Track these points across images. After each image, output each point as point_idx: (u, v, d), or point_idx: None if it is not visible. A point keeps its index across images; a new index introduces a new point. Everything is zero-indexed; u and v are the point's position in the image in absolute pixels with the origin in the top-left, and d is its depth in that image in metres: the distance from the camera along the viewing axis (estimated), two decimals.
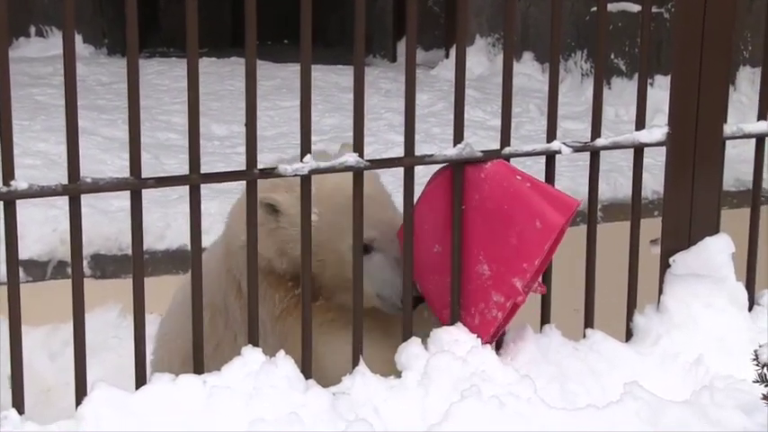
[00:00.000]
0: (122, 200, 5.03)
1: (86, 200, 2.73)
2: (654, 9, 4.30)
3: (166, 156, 6.72)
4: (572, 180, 6.02)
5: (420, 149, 3.00)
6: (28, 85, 8.69)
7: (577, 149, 3.14)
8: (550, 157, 3.11)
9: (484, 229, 2.93)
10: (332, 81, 9.23)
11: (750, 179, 3.48)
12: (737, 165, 5.90)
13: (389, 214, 3.07)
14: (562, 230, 2.87)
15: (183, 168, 2.86)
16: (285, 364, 2.75)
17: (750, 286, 3.33)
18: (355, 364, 2.88)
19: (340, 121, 7.76)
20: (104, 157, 6.61)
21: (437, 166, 3.02)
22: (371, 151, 3.89)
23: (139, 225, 2.73)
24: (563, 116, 5.67)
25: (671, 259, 3.26)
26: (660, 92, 6.51)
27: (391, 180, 3.26)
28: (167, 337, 3.42)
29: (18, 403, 2.65)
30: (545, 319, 3.12)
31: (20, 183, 2.62)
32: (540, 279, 2.96)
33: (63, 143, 2.70)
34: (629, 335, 3.22)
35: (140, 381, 2.74)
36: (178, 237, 5.52)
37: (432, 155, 2.97)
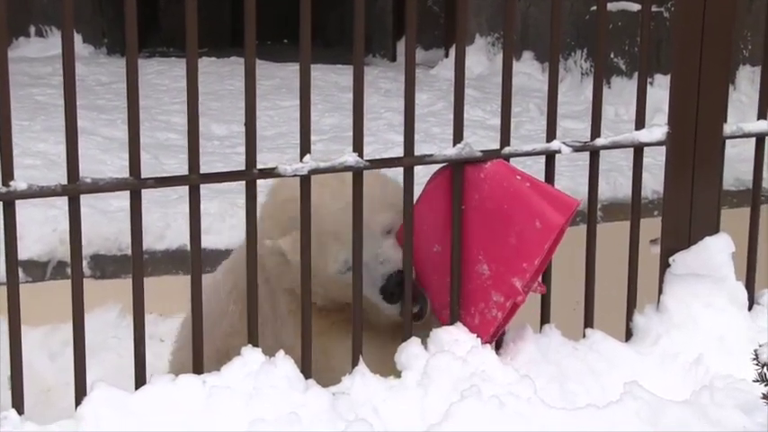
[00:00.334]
0: (122, 200, 5.02)
1: (86, 200, 2.73)
2: (653, 8, 4.29)
3: (166, 156, 6.72)
4: (572, 179, 6.02)
5: (420, 149, 3.00)
6: (27, 85, 8.68)
7: (577, 149, 3.14)
8: (550, 157, 3.11)
9: (483, 228, 2.93)
10: (331, 81, 9.22)
11: (750, 178, 3.48)
12: (737, 164, 5.89)
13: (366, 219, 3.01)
14: (562, 230, 2.87)
15: (182, 168, 2.86)
16: (285, 364, 2.75)
17: (750, 286, 3.33)
18: (355, 364, 2.88)
19: (339, 120, 7.75)
20: (104, 157, 6.60)
21: (437, 166, 3.02)
22: (371, 151, 3.88)
23: (139, 225, 2.73)
24: (563, 115, 5.67)
25: (671, 259, 3.26)
26: (660, 91, 6.50)
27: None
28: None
29: (18, 403, 2.65)
30: (545, 318, 3.12)
31: (19, 183, 2.62)
32: (539, 279, 2.96)
33: (62, 143, 2.70)
34: (628, 334, 3.22)
35: (140, 381, 2.73)
36: (178, 237, 5.51)
37: (431, 155, 2.97)
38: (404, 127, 2.94)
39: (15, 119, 2.67)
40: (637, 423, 2.67)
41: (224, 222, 5.61)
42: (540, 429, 2.63)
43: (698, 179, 3.27)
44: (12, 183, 2.61)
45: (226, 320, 3.32)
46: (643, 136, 3.22)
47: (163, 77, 9.39)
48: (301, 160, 2.84)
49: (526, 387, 2.75)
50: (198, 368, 2.80)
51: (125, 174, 2.73)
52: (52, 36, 10.64)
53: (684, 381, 2.97)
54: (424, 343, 2.93)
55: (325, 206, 2.98)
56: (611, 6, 7.17)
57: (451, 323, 2.97)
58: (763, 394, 2.52)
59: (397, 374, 2.86)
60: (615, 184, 6.32)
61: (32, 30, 10.70)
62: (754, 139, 3.40)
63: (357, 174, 2.88)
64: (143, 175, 2.72)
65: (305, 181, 2.84)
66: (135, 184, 2.72)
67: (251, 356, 2.77)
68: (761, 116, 3.38)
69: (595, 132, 3.18)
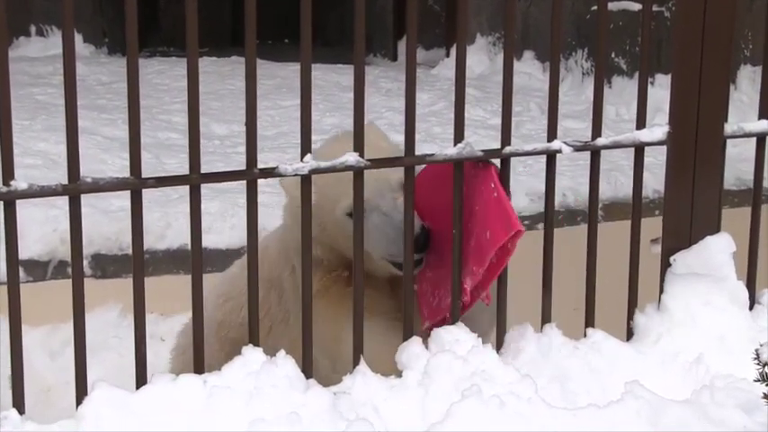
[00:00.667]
0: (123, 199, 5.03)
1: (87, 200, 2.73)
2: (654, 8, 4.29)
3: (167, 155, 6.72)
4: (573, 179, 6.02)
5: (420, 149, 3.00)
6: (28, 85, 8.69)
7: (578, 149, 3.14)
8: (551, 157, 3.11)
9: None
10: (332, 80, 9.23)
11: (751, 178, 3.48)
12: (738, 164, 5.90)
13: (381, 171, 3.01)
14: (505, 248, 2.87)
15: (183, 168, 2.86)
16: (286, 364, 2.75)
17: (751, 285, 3.33)
18: (356, 363, 2.87)
19: (340, 120, 7.75)
20: (105, 156, 6.61)
21: None
22: None
23: (140, 225, 2.73)
24: (563, 115, 5.68)
25: (671, 258, 3.26)
26: (661, 91, 6.52)
27: None
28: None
29: (18, 403, 2.65)
30: (546, 318, 3.11)
31: (20, 183, 2.62)
32: (488, 290, 2.96)
33: (63, 143, 2.70)
34: (629, 334, 3.22)
35: (141, 380, 2.73)
36: (178, 236, 5.52)
37: (432, 154, 2.97)
38: (405, 126, 2.94)
39: (16, 118, 2.67)
40: (637, 422, 2.67)
41: (225, 222, 5.61)
42: (540, 429, 2.63)
43: (699, 179, 3.27)
44: (12, 182, 2.61)
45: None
46: (644, 135, 3.22)
47: (163, 77, 9.40)
48: (302, 160, 2.84)
49: (527, 386, 2.75)
50: (199, 368, 2.80)
51: (126, 173, 2.73)
52: (53, 35, 10.65)
53: (685, 380, 2.97)
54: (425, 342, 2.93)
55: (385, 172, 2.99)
56: (611, 6, 7.17)
57: (452, 323, 2.97)
58: (764, 394, 2.52)
59: (398, 374, 2.86)
60: (616, 184, 6.32)
61: (33, 29, 10.71)
62: (754, 139, 3.40)
63: (357, 173, 2.88)
64: (144, 175, 2.72)
65: (305, 180, 2.84)
66: (136, 184, 2.71)
67: (251, 356, 2.77)
68: (762, 116, 3.38)
69: (596, 132, 3.18)
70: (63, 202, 2.73)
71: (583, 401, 2.80)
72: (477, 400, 2.65)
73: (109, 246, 5.46)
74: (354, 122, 2.88)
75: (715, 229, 3.30)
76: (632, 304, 3.25)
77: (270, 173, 2.82)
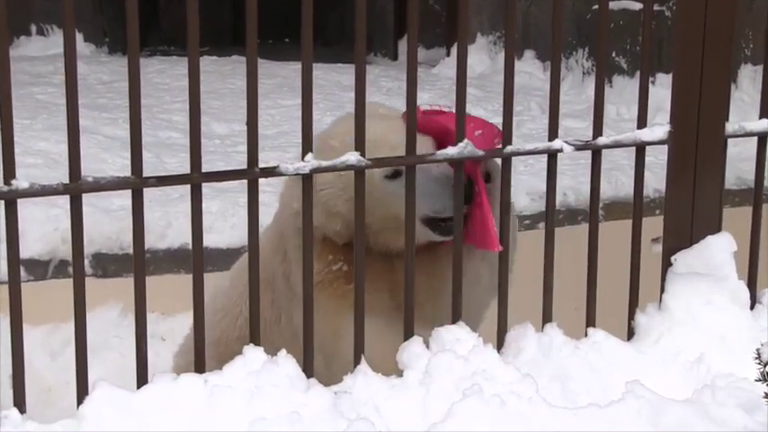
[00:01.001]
0: (123, 199, 5.03)
1: (87, 199, 2.73)
2: (655, 7, 4.28)
3: (167, 154, 6.72)
4: (574, 178, 6.01)
5: None
6: (29, 84, 8.68)
7: (579, 148, 3.14)
8: (552, 156, 3.11)
9: None
10: (333, 79, 9.22)
11: (752, 177, 3.48)
12: (739, 163, 5.90)
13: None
14: None
15: (184, 167, 2.86)
16: (286, 363, 2.75)
17: (752, 285, 3.32)
18: (357, 363, 2.87)
19: None
20: (105, 156, 6.61)
21: None
22: None
23: (141, 224, 2.73)
24: (564, 114, 5.68)
25: (672, 258, 3.26)
26: (661, 90, 6.52)
27: None
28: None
29: (19, 402, 2.65)
30: (546, 317, 3.11)
31: (21, 182, 2.62)
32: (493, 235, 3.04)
33: (64, 142, 2.70)
34: (630, 333, 3.22)
35: (141, 380, 2.73)
36: (179, 236, 5.52)
37: (433, 153, 2.97)
38: (405, 126, 2.94)
39: (17, 118, 2.67)
40: (638, 422, 2.67)
41: (225, 221, 5.61)
42: (541, 428, 2.63)
43: (700, 178, 3.27)
44: (13, 181, 2.61)
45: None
46: (645, 135, 3.22)
47: (164, 76, 9.39)
48: (303, 159, 2.84)
49: (528, 386, 2.75)
50: (199, 367, 2.80)
51: (127, 172, 2.73)
52: (53, 35, 10.65)
53: (686, 380, 2.97)
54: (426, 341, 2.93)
55: (384, 136, 2.99)
56: (612, 5, 7.18)
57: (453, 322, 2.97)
58: (766, 393, 2.52)
59: (399, 373, 2.86)
60: (617, 183, 6.32)
61: (33, 28, 10.71)
62: (755, 138, 3.40)
63: (359, 173, 2.87)
64: (145, 174, 2.72)
65: (307, 180, 2.84)
66: (136, 183, 2.71)
67: (252, 355, 2.77)
68: (762, 115, 3.38)
69: (597, 131, 3.17)
70: (64, 201, 2.73)
71: (583, 401, 2.79)
72: (478, 400, 2.65)
73: (110, 245, 5.47)
74: (355, 122, 2.88)
75: (716, 228, 3.30)
76: (633, 304, 3.25)
77: (271, 172, 2.82)
